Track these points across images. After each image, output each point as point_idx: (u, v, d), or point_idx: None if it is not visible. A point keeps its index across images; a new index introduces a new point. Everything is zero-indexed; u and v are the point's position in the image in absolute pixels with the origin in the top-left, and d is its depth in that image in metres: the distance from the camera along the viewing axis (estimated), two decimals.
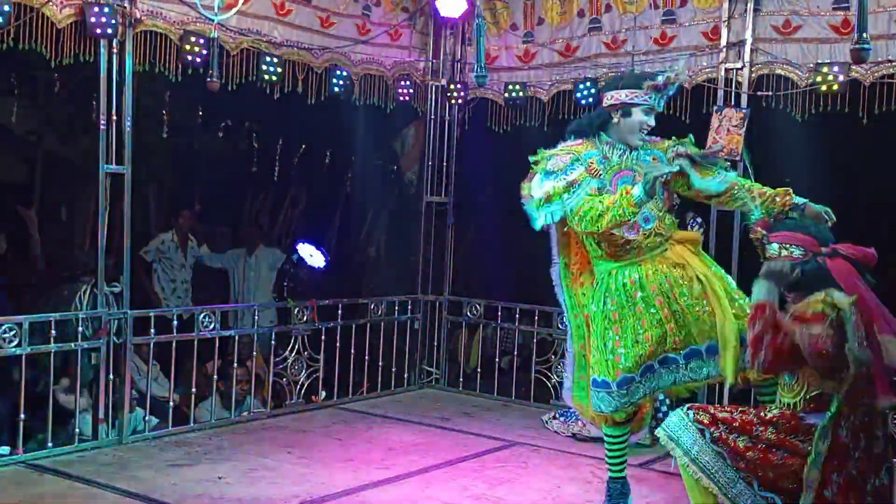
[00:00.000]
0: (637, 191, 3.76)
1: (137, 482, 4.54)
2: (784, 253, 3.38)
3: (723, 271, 4.22)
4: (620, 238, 4.03)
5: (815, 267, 3.32)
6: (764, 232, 3.51)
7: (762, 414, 3.40)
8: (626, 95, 4.04)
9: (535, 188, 4.04)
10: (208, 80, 5.25)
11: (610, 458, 4.26)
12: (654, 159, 4.10)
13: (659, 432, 3.48)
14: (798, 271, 3.32)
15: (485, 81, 5.65)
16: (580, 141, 4.11)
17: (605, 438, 4.26)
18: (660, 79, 4.00)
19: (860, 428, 3.23)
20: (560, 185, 3.94)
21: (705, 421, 3.39)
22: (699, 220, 5.61)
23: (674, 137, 4.21)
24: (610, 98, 4.10)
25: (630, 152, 4.08)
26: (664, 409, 5.37)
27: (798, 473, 3.25)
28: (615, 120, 4.07)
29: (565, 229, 4.23)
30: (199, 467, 4.85)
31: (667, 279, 4.03)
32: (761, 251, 3.53)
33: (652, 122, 4.10)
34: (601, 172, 4.01)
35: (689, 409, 3.46)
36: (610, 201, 3.84)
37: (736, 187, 4.02)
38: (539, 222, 4.03)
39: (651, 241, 4.06)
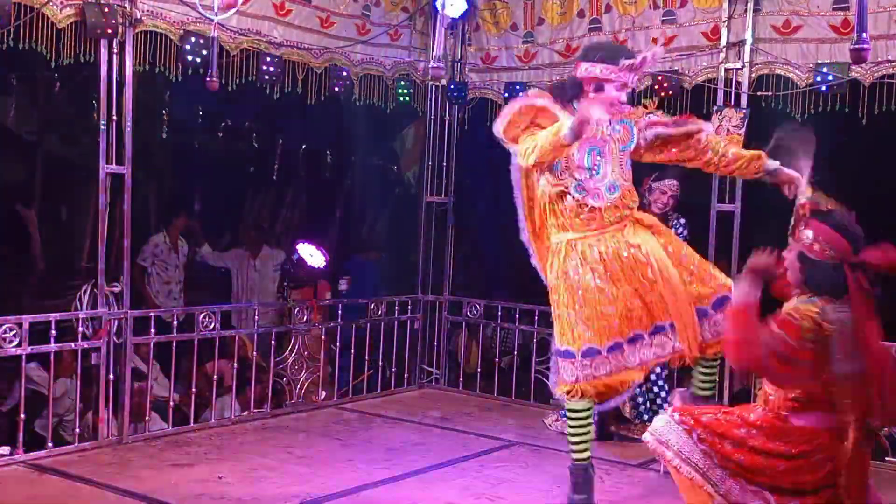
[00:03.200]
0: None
1: (138, 482, 4.54)
2: (816, 247, 3.26)
3: (680, 243, 4.27)
4: (583, 206, 4.05)
5: (837, 274, 3.21)
6: (808, 215, 3.36)
7: (746, 415, 3.37)
8: (601, 71, 4.02)
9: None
10: (208, 79, 5.25)
11: (572, 437, 4.20)
12: (624, 129, 4.15)
13: (646, 437, 3.46)
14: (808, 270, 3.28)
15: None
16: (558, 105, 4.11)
17: (567, 415, 4.22)
18: (637, 59, 3.98)
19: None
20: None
21: (690, 422, 3.37)
22: (682, 220, 5.60)
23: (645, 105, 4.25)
24: (584, 70, 4.09)
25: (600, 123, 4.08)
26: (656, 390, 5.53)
27: (789, 475, 3.24)
28: (589, 93, 4.07)
29: (530, 194, 4.25)
30: (199, 467, 4.85)
31: (628, 256, 4.06)
32: (794, 227, 3.40)
33: (624, 99, 4.11)
34: None
35: (673, 411, 3.45)
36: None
37: (711, 146, 4.17)
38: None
39: (611, 215, 4.09)
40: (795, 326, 3.15)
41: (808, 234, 3.31)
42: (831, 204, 3.39)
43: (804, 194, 3.47)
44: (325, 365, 6.47)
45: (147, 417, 5.47)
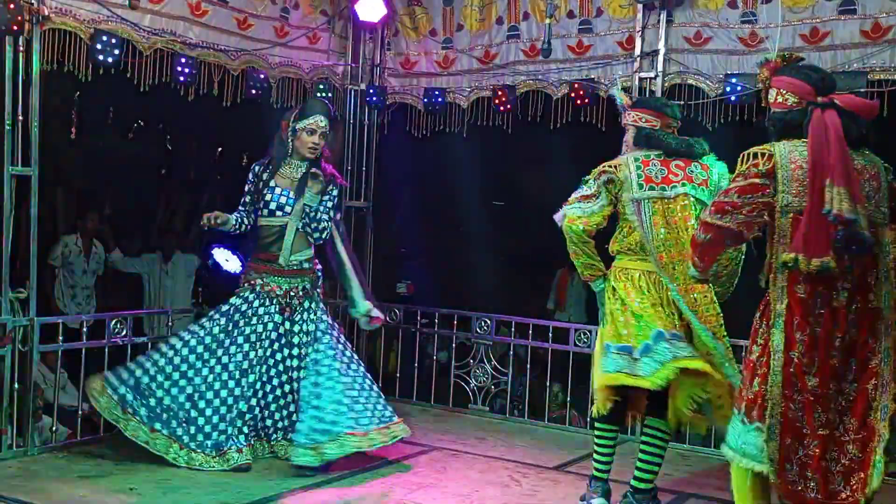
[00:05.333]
0: None
1: (44, 495, 4.39)
2: (779, 99, 3.28)
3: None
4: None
5: (796, 116, 3.22)
6: (767, 75, 3.41)
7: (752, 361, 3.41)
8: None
9: None
10: None
11: (596, 454, 4.39)
12: None
13: (724, 450, 3.50)
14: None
15: None
16: None
17: (595, 434, 4.40)
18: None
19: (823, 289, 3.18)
20: None
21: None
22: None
23: None
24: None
25: None
26: None
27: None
28: None
29: None
30: (110, 478, 4.70)
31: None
32: (764, 96, 3.44)
33: None
34: None
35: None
36: None
37: None
38: None
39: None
40: (742, 172, 3.28)
41: (772, 92, 3.34)
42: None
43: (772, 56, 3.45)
44: None
45: (54, 428, 5.29)
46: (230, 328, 5.00)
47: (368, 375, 5.29)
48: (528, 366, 6.55)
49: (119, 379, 4.92)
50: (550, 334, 6.32)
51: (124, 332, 5.47)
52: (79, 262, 7.46)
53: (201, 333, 4.98)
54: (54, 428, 5.31)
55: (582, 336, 6.17)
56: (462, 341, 6.78)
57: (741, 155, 3.40)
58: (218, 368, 4.92)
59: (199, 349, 4.94)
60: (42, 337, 5.10)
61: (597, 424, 4.37)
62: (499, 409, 6.79)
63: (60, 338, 5.23)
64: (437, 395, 6.88)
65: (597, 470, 4.39)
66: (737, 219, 3.31)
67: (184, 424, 4.83)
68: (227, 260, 7.49)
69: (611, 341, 4.16)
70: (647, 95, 5.83)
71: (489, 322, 6.64)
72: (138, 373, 4.93)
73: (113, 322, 5.44)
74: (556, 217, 4.31)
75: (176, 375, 4.89)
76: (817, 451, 3.21)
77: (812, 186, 3.11)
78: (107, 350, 5.40)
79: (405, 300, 7.87)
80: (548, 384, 6.43)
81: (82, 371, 5.35)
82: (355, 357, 5.31)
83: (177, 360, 4.92)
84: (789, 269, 3.19)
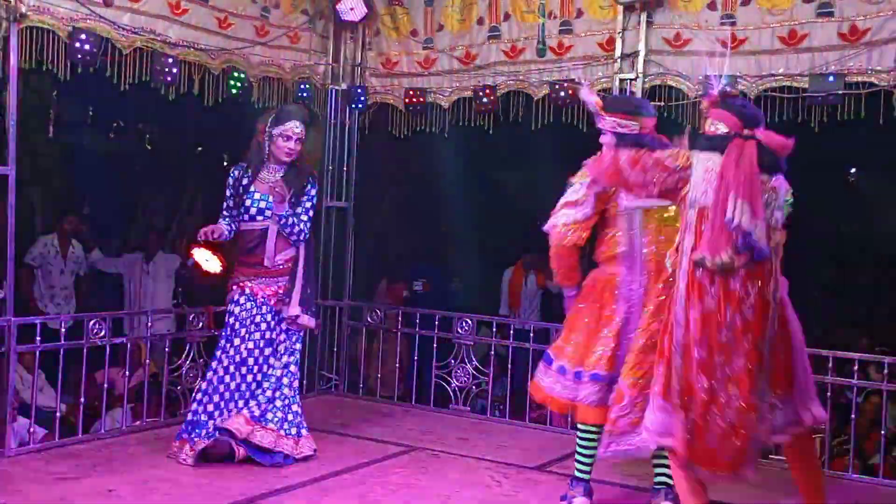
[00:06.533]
0: None
1: (22, 496, 4.35)
2: (711, 129, 3.72)
3: None
4: None
5: (721, 141, 3.62)
6: (707, 106, 3.81)
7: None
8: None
9: None
10: None
11: (579, 454, 4.37)
12: None
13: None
14: None
15: None
16: None
17: (578, 434, 4.37)
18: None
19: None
20: None
21: None
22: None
23: None
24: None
25: None
26: None
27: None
28: None
29: None
30: (88, 480, 4.67)
31: None
32: (701, 125, 3.89)
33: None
34: None
35: None
36: None
37: None
38: None
39: None
40: (665, 154, 3.72)
41: (709, 122, 3.76)
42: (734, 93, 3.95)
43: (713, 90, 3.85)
44: None
45: (31, 429, 5.25)
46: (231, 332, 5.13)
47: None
48: (510, 366, 6.56)
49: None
50: (531, 335, 6.33)
51: (103, 333, 5.43)
52: (57, 263, 7.41)
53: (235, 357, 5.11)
54: (31, 429, 5.27)
55: None
56: (443, 341, 6.77)
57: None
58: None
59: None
60: (20, 337, 5.06)
61: (580, 425, 4.36)
62: (480, 410, 6.79)
63: (38, 338, 5.18)
64: (418, 395, 6.88)
65: (579, 470, 4.39)
66: (637, 177, 3.76)
67: None
68: (207, 260, 7.42)
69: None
70: (621, 94, 5.83)
71: (470, 322, 6.64)
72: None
73: (92, 322, 5.41)
74: (547, 228, 4.30)
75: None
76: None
77: (717, 195, 3.52)
78: (85, 351, 5.37)
79: (420, 298, 7.81)
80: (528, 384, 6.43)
81: (60, 372, 5.31)
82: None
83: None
84: (697, 265, 3.56)
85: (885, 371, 5.25)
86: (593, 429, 4.30)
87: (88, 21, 5.24)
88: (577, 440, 4.39)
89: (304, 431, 5.18)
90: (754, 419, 3.51)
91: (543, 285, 8.93)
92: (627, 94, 5.89)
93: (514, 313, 9.11)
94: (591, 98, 4.39)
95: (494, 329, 6.63)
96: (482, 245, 10.22)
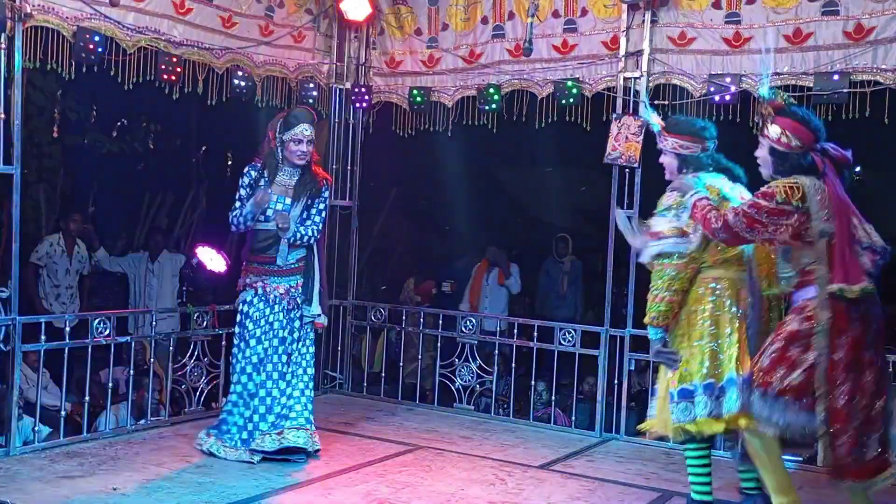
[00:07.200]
0: None
1: (26, 495, 4.35)
2: (784, 139, 3.69)
3: None
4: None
5: (809, 161, 3.65)
6: (772, 112, 3.77)
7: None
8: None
9: None
10: None
11: (692, 476, 4.20)
12: None
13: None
14: None
15: None
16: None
17: (689, 455, 4.21)
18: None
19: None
20: None
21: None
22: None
23: None
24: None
25: None
26: None
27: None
28: None
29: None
30: (92, 479, 4.68)
31: None
32: (762, 126, 3.84)
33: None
34: None
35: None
36: None
37: None
38: None
39: None
40: (771, 192, 3.64)
41: (776, 129, 3.71)
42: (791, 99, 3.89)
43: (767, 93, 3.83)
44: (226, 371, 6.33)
45: (35, 428, 5.26)
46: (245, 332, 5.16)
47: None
48: (513, 365, 6.56)
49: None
50: (535, 333, 6.33)
51: (107, 332, 5.44)
52: (62, 263, 7.42)
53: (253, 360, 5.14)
54: (36, 428, 5.28)
55: (567, 335, 6.20)
56: (447, 340, 6.77)
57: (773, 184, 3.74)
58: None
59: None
60: (25, 336, 5.07)
61: (689, 446, 4.15)
62: (484, 408, 6.80)
63: (43, 337, 5.20)
64: (423, 394, 6.88)
65: (700, 493, 4.16)
66: (763, 235, 3.74)
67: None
68: (212, 259, 7.45)
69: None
70: (633, 95, 5.82)
71: (474, 321, 6.63)
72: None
73: (96, 321, 5.42)
74: (645, 258, 4.19)
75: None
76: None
77: (840, 221, 3.59)
78: (90, 349, 5.37)
79: (446, 298, 7.75)
80: (532, 383, 6.44)
81: (65, 370, 5.32)
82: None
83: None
84: (834, 296, 3.59)
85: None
86: (703, 446, 4.18)
87: (93, 21, 5.24)
88: (690, 463, 4.21)
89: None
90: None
91: (503, 283, 8.80)
92: (632, 92, 5.89)
93: (475, 309, 8.79)
94: (653, 118, 4.36)
95: (498, 328, 6.62)
96: (484, 243, 10.20)
